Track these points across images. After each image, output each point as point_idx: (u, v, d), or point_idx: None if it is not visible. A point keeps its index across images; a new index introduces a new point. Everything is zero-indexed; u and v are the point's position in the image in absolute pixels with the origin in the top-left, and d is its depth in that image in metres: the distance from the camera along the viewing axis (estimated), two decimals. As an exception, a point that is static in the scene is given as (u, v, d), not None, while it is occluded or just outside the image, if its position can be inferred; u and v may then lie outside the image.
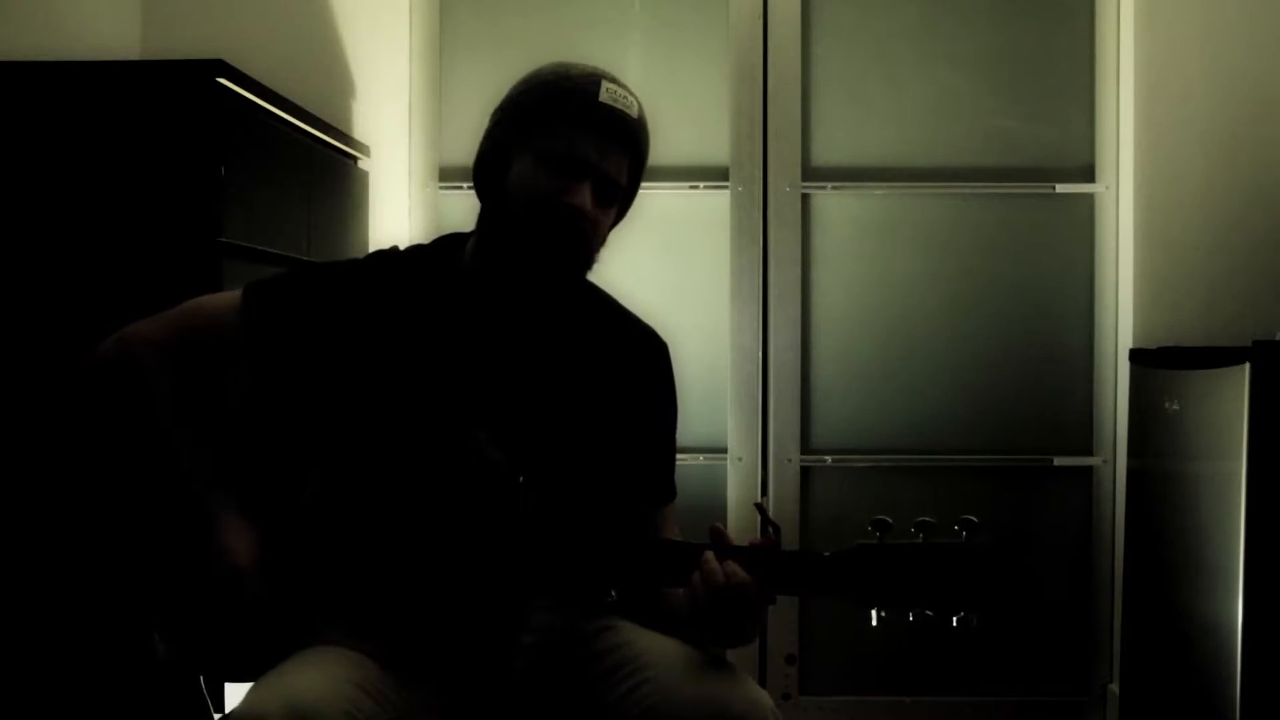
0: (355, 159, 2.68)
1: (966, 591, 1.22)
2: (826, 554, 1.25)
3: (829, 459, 2.94)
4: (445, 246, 1.50)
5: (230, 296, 1.45)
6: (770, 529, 1.27)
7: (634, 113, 1.40)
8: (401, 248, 1.52)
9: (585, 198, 1.36)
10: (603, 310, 1.53)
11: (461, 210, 2.76)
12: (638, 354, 1.52)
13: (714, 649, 1.34)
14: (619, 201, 1.44)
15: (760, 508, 1.37)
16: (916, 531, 1.23)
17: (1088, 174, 2.94)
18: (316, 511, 1.42)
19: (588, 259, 1.42)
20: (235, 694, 1.49)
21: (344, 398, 1.42)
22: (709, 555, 1.25)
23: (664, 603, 1.40)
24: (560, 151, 1.36)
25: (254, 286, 1.45)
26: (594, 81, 1.38)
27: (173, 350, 1.43)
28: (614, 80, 1.40)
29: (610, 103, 1.37)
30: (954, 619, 1.22)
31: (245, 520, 1.38)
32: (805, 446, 2.94)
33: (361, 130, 2.78)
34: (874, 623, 1.24)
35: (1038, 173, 2.95)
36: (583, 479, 1.43)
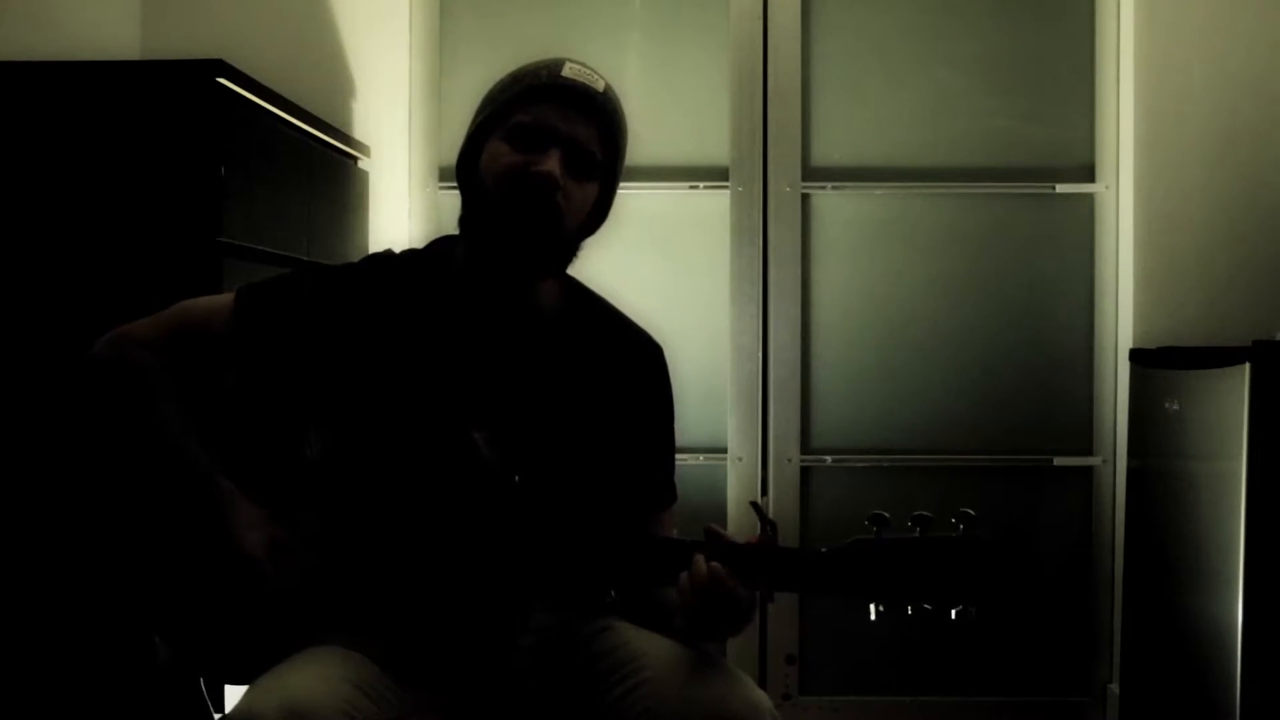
0: (355, 159, 2.68)
1: (964, 584, 1.22)
2: (824, 550, 1.25)
3: (829, 459, 2.94)
4: (439, 249, 1.50)
5: (224, 299, 1.45)
6: (767, 527, 1.28)
7: (599, 87, 1.41)
8: (397, 251, 1.52)
9: (553, 164, 1.36)
10: (597, 314, 1.53)
11: (461, 210, 2.76)
12: (632, 358, 1.52)
13: (706, 643, 1.34)
14: (598, 179, 1.42)
15: (756, 506, 1.37)
16: (913, 526, 1.23)
17: (1088, 174, 2.94)
18: (313, 513, 1.42)
19: (561, 228, 1.39)
20: (234, 696, 1.48)
21: (337, 400, 1.41)
22: (698, 557, 1.25)
23: (660, 602, 1.40)
24: (526, 123, 1.37)
25: (247, 289, 1.45)
26: (557, 62, 1.41)
27: (165, 349, 1.43)
28: (578, 62, 1.41)
29: (573, 77, 1.39)
30: (952, 612, 1.22)
31: (252, 505, 1.37)
32: (805, 446, 2.94)
33: (361, 130, 2.78)
34: (873, 618, 1.24)
35: (1038, 173, 2.95)
36: (578, 480, 1.43)
